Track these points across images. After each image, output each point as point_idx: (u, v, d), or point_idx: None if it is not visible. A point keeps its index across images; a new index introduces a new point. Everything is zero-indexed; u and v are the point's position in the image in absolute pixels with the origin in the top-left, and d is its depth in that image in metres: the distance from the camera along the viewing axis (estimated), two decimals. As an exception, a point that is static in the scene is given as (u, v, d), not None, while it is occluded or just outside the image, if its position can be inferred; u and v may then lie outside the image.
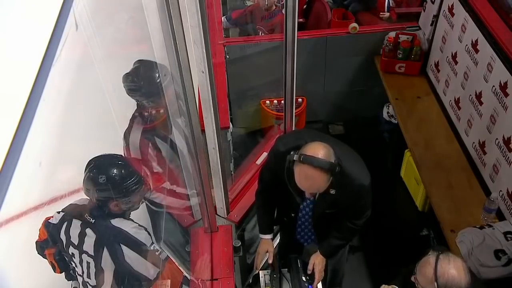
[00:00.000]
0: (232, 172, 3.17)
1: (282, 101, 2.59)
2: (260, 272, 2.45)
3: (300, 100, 3.77)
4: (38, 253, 2.07)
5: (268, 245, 2.35)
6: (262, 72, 3.56)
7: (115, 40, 2.61)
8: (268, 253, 2.35)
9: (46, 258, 2.08)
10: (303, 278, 2.38)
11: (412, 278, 1.87)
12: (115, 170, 1.87)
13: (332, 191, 2.03)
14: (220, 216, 2.58)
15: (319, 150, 1.88)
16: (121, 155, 2.09)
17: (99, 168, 1.87)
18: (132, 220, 1.96)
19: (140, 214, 2.25)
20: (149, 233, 1.96)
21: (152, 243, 1.94)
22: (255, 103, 3.81)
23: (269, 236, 2.36)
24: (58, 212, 2.01)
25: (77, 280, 2.06)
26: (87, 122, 2.31)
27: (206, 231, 2.49)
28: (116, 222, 1.92)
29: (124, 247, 1.89)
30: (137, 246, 1.91)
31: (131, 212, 2.03)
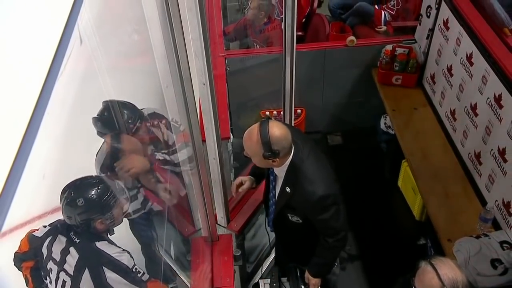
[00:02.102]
0: (232, 182, 3.20)
1: (282, 112, 2.63)
2: (260, 281, 2.48)
3: (299, 111, 3.82)
4: (14, 264, 2.06)
5: (244, 176, 2.40)
6: (262, 83, 3.61)
7: (118, 53, 2.66)
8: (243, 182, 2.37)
9: (21, 271, 2.07)
10: (302, 287, 2.41)
11: None
12: (90, 190, 1.89)
13: (288, 189, 2.09)
14: (221, 226, 2.61)
15: (277, 127, 1.93)
16: (92, 175, 2.13)
17: (74, 193, 1.88)
18: (116, 245, 1.98)
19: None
20: (131, 256, 1.97)
21: (134, 265, 1.96)
22: (255, 114, 3.84)
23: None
24: (45, 226, 2.02)
25: None
26: (90, 133, 2.35)
27: (207, 240, 2.52)
28: (101, 245, 1.93)
29: (106, 270, 1.90)
30: (120, 268, 1.92)
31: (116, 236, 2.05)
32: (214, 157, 2.26)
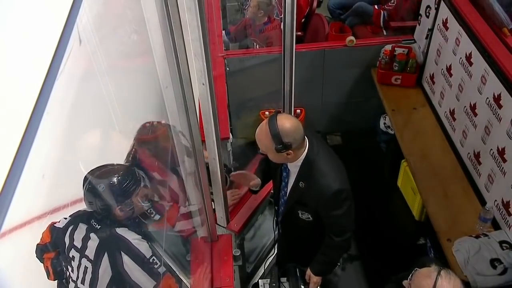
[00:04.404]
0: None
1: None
2: (260, 281, 2.49)
3: (298, 111, 3.83)
4: (36, 256, 2.11)
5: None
6: (261, 83, 3.62)
7: (118, 53, 2.66)
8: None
9: (43, 262, 2.11)
10: (302, 287, 2.42)
11: (405, 284, 1.88)
12: (111, 176, 1.95)
13: (302, 184, 2.09)
14: (220, 226, 2.61)
15: (286, 120, 1.94)
16: (113, 163, 2.16)
17: (96, 179, 1.93)
18: (136, 232, 2.01)
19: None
20: (150, 246, 2.00)
21: (152, 255, 1.98)
22: (255, 114, 3.85)
23: None
24: (65, 218, 2.07)
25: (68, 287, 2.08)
26: (90, 133, 2.35)
27: (206, 241, 2.52)
28: (121, 231, 1.98)
29: (124, 256, 1.94)
30: (137, 256, 1.95)
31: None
32: (213, 157, 2.26)
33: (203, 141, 2.16)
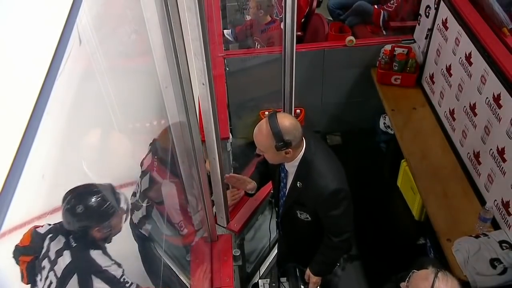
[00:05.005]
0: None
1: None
2: (260, 281, 2.49)
3: (298, 111, 3.82)
4: (13, 256, 2.05)
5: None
6: (262, 83, 3.62)
7: (117, 53, 2.67)
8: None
9: (18, 264, 2.06)
10: (301, 287, 2.42)
11: (402, 286, 1.88)
12: (90, 198, 1.90)
13: (299, 184, 2.09)
14: (220, 226, 2.61)
15: (286, 118, 1.96)
16: (94, 183, 2.15)
17: (75, 199, 1.88)
18: (109, 257, 1.98)
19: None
20: (120, 266, 1.97)
21: (122, 275, 1.95)
22: (255, 114, 3.85)
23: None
24: (49, 224, 2.02)
25: None
26: (90, 133, 2.35)
27: (206, 241, 2.52)
28: (94, 254, 1.94)
29: (94, 278, 1.90)
30: (107, 278, 1.92)
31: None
32: (213, 157, 2.26)
33: (203, 142, 2.17)
